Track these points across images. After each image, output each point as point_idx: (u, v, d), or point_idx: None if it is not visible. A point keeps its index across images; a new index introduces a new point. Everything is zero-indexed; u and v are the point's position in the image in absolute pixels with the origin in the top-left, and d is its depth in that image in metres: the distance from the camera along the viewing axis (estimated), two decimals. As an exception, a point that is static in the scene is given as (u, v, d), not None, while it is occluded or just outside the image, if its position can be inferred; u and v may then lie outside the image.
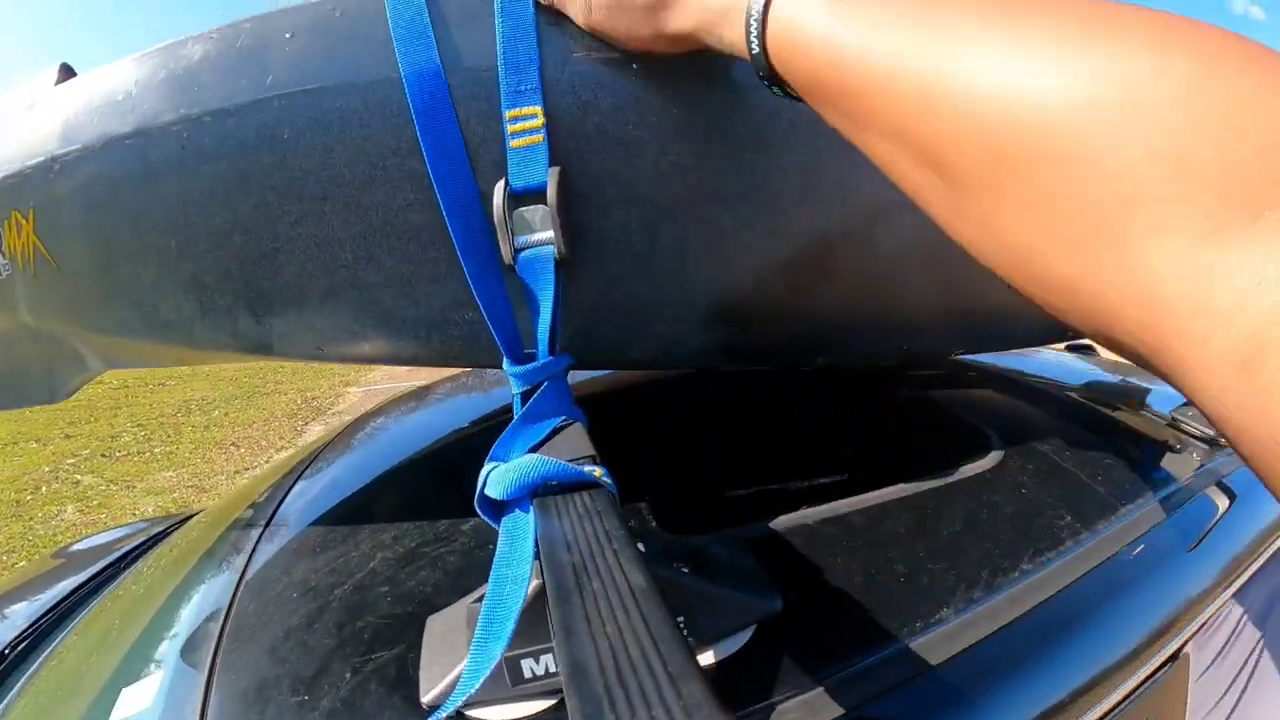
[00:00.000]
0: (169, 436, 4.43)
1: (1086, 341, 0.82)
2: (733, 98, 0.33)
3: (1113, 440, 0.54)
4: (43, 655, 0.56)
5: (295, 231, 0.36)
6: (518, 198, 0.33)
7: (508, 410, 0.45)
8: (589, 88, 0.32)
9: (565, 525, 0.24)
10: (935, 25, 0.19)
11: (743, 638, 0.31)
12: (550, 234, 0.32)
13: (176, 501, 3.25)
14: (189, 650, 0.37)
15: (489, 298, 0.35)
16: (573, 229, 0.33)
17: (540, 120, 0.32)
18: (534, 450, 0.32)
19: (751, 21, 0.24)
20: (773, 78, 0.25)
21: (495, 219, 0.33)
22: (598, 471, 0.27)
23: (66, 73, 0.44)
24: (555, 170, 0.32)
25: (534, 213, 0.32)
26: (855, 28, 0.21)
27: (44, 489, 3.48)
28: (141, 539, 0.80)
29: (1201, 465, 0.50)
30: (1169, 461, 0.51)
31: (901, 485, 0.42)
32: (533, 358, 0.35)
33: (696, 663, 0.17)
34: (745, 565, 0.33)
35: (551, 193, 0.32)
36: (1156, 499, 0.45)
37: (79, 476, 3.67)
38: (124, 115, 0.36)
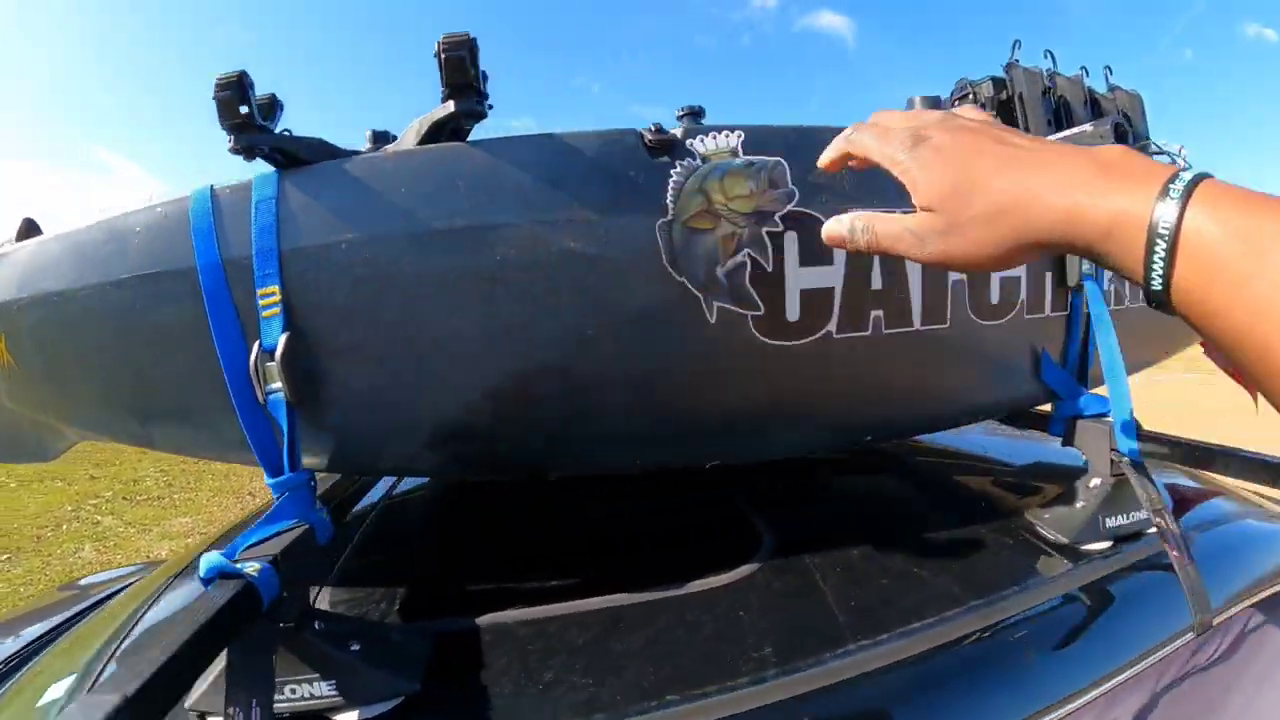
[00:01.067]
0: (190, 483, 4.66)
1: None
2: (422, 271, 0.44)
3: (935, 545, 0.56)
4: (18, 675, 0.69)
5: (155, 372, 0.49)
6: (268, 354, 0.45)
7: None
8: (313, 270, 0.45)
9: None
10: None
11: (381, 708, 0.40)
12: (280, 384, 0.44)
13: (189, 546, 3.41)
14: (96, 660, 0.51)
15: (252, 429, 0.46)
16: (299, 378, 0.45)
17: (278, 297, 0.45)
18: (258, 544, 0.42)
19: (1157, 248, 0.21)
20: (1165, 303, 0.22)
21: (249, 372, 0.45)
22: (253, 568, 0.38)
23: (29, 228, 0.60)
24: (285, 336, 0.44)
25: (273, 367, 0.45)
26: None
27: (65, 527, 3.70)
28: (140, 578, 0.93)
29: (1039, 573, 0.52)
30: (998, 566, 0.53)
31: (625, 594, 0.50)
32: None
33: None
34: (412, 651, 0.43)
35: (279, 352, 0.44)
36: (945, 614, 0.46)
37: (99, 517, 3.89)
38: (52, 278, 0.50)
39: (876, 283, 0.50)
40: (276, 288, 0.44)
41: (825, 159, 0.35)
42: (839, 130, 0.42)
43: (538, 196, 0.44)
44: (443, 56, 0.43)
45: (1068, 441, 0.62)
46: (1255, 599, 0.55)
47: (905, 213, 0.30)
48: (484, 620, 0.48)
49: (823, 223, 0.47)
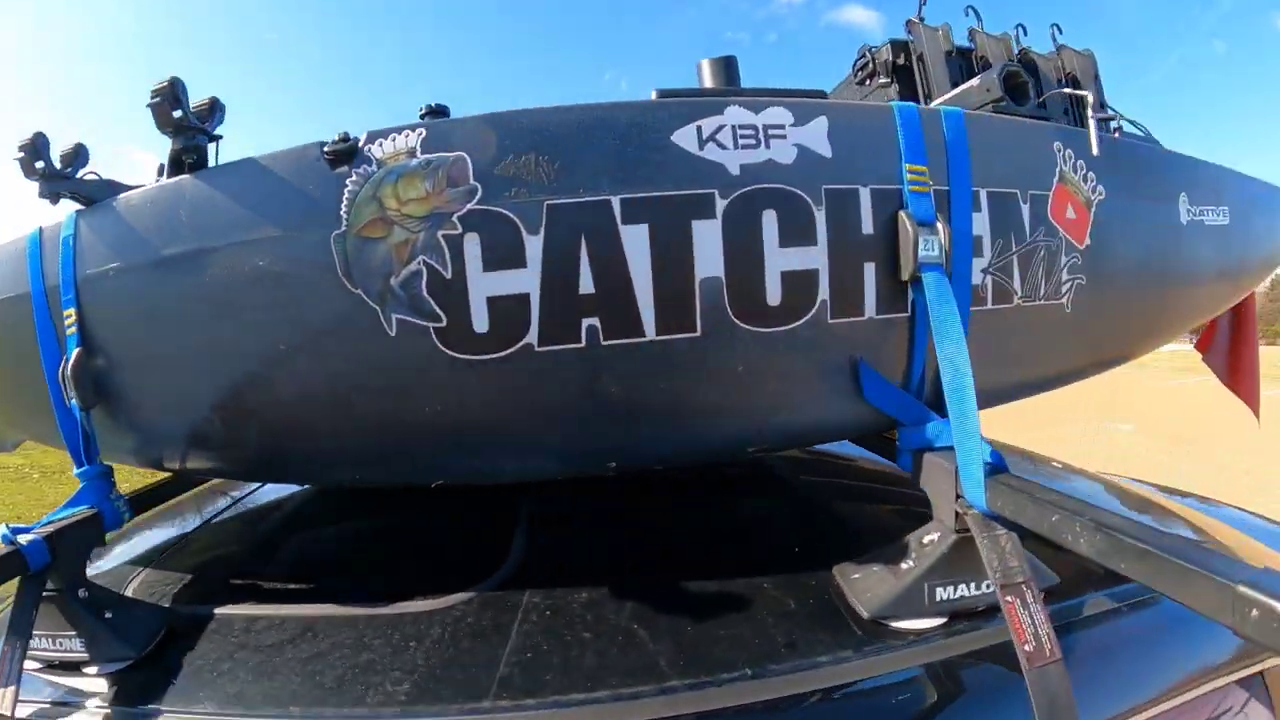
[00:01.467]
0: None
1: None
2: (158, 293, 0.48)
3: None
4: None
5: (19, 377, 0.60)
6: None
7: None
8: (94, 295, 0.51)
9: None
10: None
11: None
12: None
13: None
14: None
15: (64, 427, 0.55)
16: (88, 387, 0.51)
17: (74, 318, 0.52)
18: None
19: None
20: None
21: (59, 381, 0.53)
22: (26, 539, 0.44)
23: None
24: (76, 351, 0.51)
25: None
26: None
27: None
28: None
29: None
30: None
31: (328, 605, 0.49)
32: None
33: None
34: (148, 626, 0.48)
35: (71, 365, 0.51)
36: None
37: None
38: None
39: (586, 286, 0.44)
40: (74, 310, 0.52)
41: None
42: (538, 112, 0.38)
43: (238, 219, 0.46)
44: (150, 106, 0.47)
45: (917, 480, 0.49)
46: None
47: None
48: (217, 610, 0.51)
49: (513, 220, 0.43)
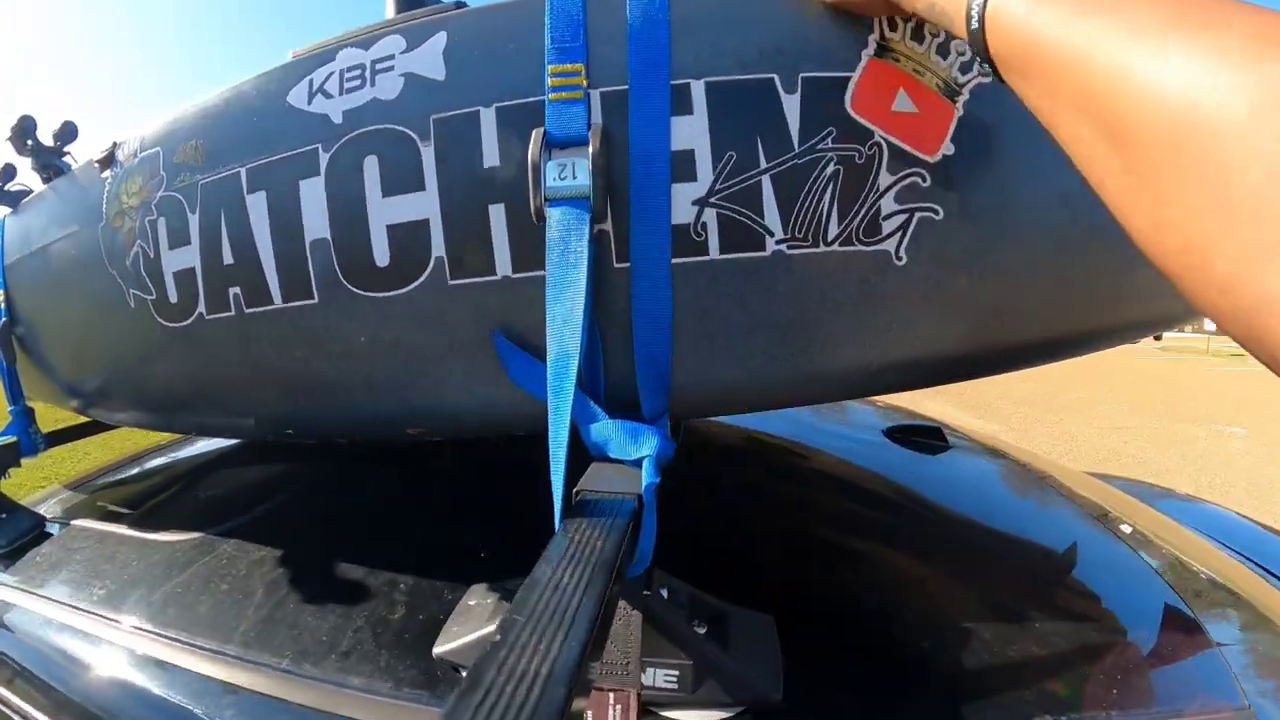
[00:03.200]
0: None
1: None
2: (38, 274, 0.64)
3: None
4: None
5: None
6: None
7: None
8: (14, 277, 0.70)
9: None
10: (1133, 12, 0.21)
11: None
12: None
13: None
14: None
15: (5, 377, 0.76)
16: (8, 345, 0.71)
17: (3, 295, 0.71)
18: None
19: (974, 3, 0.27)
20: (984, 53, 0.27)
21: None
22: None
23: None
24: (4, 320, 0.71)
25: None
26: (1059, 13, 0.23)
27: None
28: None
29: None
30: None
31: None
32: None
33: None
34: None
35: None
36: None
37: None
38: None
39: (229, 257, 0.45)
40: (3, 291, 0.67)
41: None
42: (205, 99, 0.44)
43: (63, 217, 0.58)
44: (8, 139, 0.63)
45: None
46: None
47: None
48: (76, 521, 0.65)
49: (180, 201, 0.47)
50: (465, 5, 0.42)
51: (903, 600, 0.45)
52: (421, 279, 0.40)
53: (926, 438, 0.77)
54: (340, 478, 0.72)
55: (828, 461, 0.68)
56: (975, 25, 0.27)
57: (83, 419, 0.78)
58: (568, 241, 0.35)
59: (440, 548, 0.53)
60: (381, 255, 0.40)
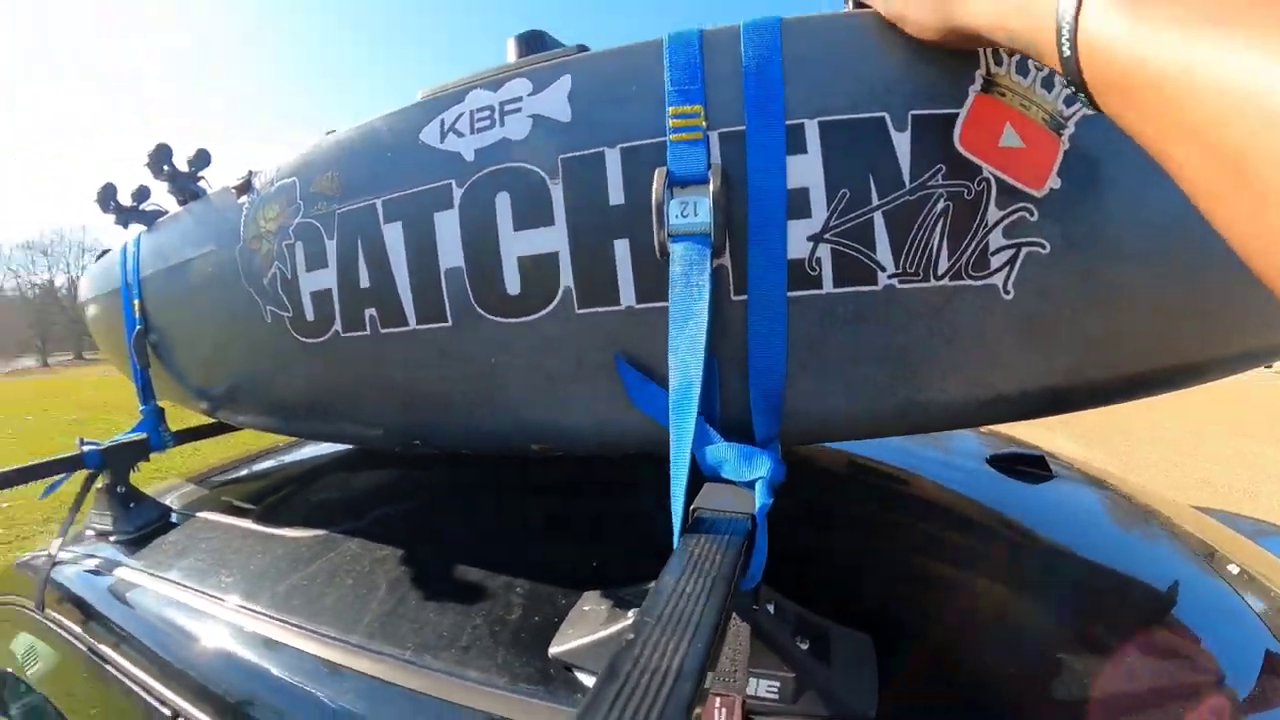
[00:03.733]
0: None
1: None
2: (171, 289, 0.70)
3: None
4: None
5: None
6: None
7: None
8: (148, 288, 0.76)
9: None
10: (1249, 29, 0.19)
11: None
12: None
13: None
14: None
15: (137, 380, 0.83)
16: (143, 351, 0.78)
17: (138, 305, 0.78)
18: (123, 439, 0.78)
19: (1063, 25, 0.25)
20: (1079, 81, 0.25)
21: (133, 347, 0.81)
22: (88, 448, 0.72)
23: None
24: (136, 328, 0.78)
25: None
26: (1166, 31, 0.21)
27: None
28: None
29: None
30: None
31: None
32: None
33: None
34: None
35: (135, 337, 0.77)
36: None
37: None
38: None
39: (365, 281, 0.49)
40: (139, 300, 0.74)
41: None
42: (341, 133, 0.47)
43: (200, 237, 0.64)
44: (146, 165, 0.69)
45: None
46: None
47: None
48: (200, 514, 0.71)
49: (318, 229, 0.52)
50: (586, 49, 0.45)
51: (997, 629, 0.46)
52: (550, 307, 0.43)
53: (1030, 466, 0.77)
54: (458, 485, 0.77)
55: (929, 488, 0.69)
56: (1067, 53, 0.25)
57: (208, 420, 0.85)
58: (690, 275, 0.38)
59: (553, 556, 0.56)
60: (513, 284, 0.43)
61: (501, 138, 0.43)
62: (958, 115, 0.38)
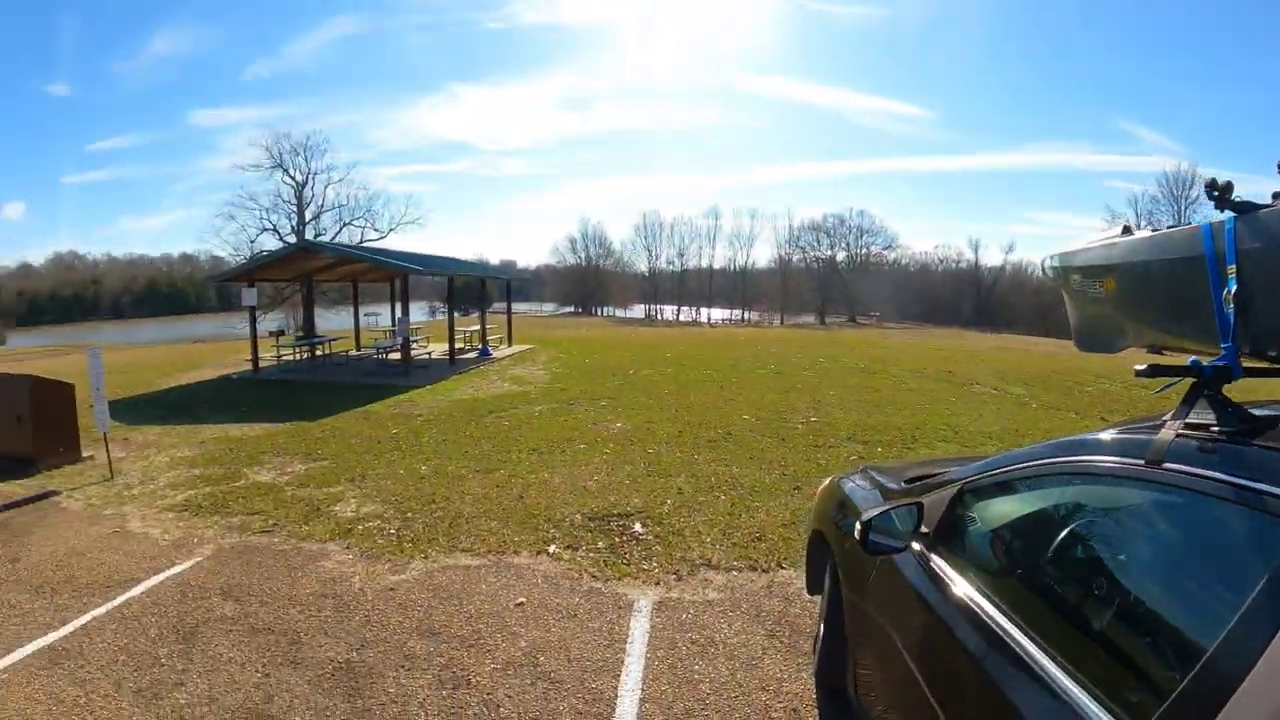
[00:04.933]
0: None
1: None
2: None
3: None
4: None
5: (1163, 308, 1.23)
6: (1228, 294, 1.05)
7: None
8: (1257, 251, 1.00)
9: None
10: None
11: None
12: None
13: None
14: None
15: (1220, 329, 1.07)
16: (1239, 316, 1.02)
17: (1232, 272, 1.03)
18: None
19: None
20: None
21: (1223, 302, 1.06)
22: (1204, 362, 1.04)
23: (1126, 229, 1.39)
24: (1232, 288, 1.02)
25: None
26: None
27: None
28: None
29: None
30: None
31: None
32: None
33: None
34: None
35: (1229, 294, 1.03)
36: None
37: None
38: (1139, 254, 1.27)
39: None
40: (1232, 265, 1.02)
41: None
42: None
43: None
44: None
45: None
46: None
47: None
48: None
49: None
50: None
51: None
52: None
53: None
54: None
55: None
56: None
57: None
58: None
59: None
60: None
61: None
62: None
